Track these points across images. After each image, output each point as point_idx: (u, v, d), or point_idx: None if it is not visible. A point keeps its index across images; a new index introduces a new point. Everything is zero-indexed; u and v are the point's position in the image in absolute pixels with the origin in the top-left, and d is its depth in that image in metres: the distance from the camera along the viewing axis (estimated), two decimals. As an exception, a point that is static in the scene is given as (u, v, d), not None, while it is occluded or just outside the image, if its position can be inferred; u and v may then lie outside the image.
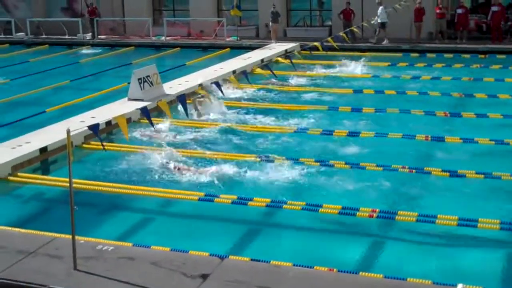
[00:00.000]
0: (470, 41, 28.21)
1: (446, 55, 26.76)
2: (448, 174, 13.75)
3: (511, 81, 21.55)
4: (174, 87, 21.39)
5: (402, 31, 29.39)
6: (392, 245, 11.50)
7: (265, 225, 12.40)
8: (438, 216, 11.68)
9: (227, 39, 32.16)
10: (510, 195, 13.06)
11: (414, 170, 14.08)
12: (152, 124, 13.04)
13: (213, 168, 14.49)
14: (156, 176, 14.26)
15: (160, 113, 18.02)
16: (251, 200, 12.66)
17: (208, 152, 15.50)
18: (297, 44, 29.13)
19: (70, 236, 9.67)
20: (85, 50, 32.75)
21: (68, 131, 9.40)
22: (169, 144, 16.00)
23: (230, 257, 10.21)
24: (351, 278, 9.63)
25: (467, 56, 26.42)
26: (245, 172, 14.28)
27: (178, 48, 31.52)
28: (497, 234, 11.39)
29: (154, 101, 18.48)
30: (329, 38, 24.56)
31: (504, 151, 15.28)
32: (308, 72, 24.57)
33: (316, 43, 23.07)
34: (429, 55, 27.08)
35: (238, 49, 29.69)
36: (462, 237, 11.40)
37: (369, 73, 23.69)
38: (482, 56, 26.35)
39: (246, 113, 19.09)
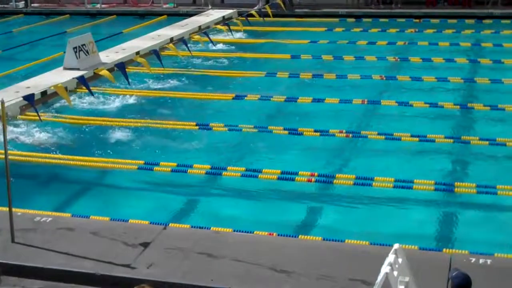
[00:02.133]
0: (405, 6, 28.53)
1: (381, 20, 27.02)
2: (384, 137, 14.01)
3: (444, 45, 21.91)
4: (111, 55, 21.11)
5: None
6: (331, 208, 11.72)
7: (205, 192, 12.46)
8: (375, 178, 11.93)
9: (164, 6, 31.78)
10: (444, 157, 13.40)
11: (350, 135, 14.30)
12: (91, 93, 12.91)
13: (151, 137, 14.46)
14: (94, 146, 14.14)
15: (97, 81, 17.86)
16: (190, 167, 12.69)
17: (143, 121, 15.42)
18: (235, 10, 28.99)
19: (7, 209, 9.56)
20: (18, 19, 31.94)
21: (3, 102, 9.24)
22: (103, 113, 15.88)
23: (170, 225, 10.27)
24: (291, 242, 9.79)
25: (402, 20, 26.73)
26: (184, 140, 14.28)
27: (114, 16, 31.01)
28: (432, 194, 11.71)
29: (91, 70, 18.23)
30: (266, 6, 24.52)
31: (438, 114, 15.61)
32: (246, 39, 24.52)
33: (253, 11, 23.05)
34: (365, 20, 27.31)
35: (175, 16, 29.36)
36: (399, 198, 11.69)
37: (307, 39, 23.78)
38: (417, 20, 26.69)
39: (184, 80, 19.03)
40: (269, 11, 23.71)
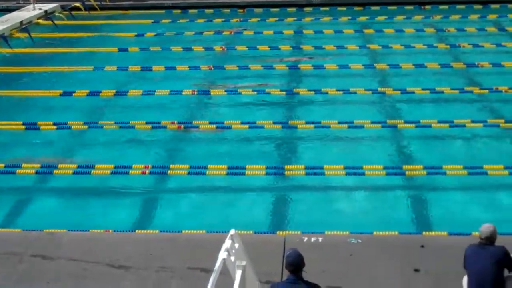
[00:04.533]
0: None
1: (207, 11, 27.24)
2: (214, 126, 14.22)
3: (268, 33, 22.48)
4: None
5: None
6: (166, 200, 11.79)
7: (36, 192, 12.10)
8: (208, 166, 12.12)
9: (-19, 1, 30.24)
10: (273, 141, 13.82)
11: (182, 126, 14.39)
12: None
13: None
14: None
15: None
16: (19, 167, 12.30)
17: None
18: (58, 4, 28.13)
19: None
20: None
21: None
22: None
23: (0, 230, 9.90)
24: (128, 237, 9.77)
25: (227, 10, 27.11)
26: (13, 140, 13.78)
27: None
28: (264, 179, 12.05)
29: None
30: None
31: (266, 101, 16.03)
32: (72, 33, 23.87)
33: (77, 3, 22.51)
34: (191, 11, 27.42)
35: (-6, 11, 28.05)
36: (232, 185, 11.94)
37: (134, 31, 23.55)
38: (241, 10, 27.18)
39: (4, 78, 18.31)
40: (94, 3, 23.23)
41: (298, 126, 14.27)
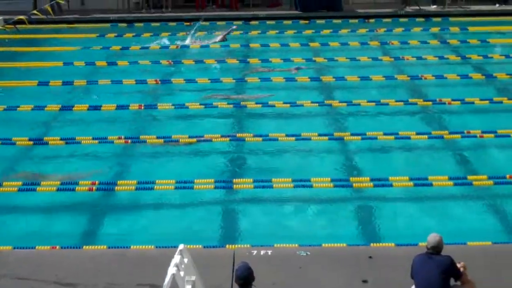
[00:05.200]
0: (175, 10, 28.90)
1: (153, 24, 27.16)
2: (162, 141, 14.15)
3: (215, 47, 22.52)
4: None
5: (110, 2, 29.19)
6: (115, 216, 11.68)
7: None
8: (156, 181, 12.06)
9: None
10: (222, 155, 13.83)
11: (129, 140, 14.28)
12: None
13: None
14: None
15: None
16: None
17: None
18: (1, 18, 27.70)
19: None
20: None
21: None
22: None
23: None
24: (75, 253, 9.66)
25: (173, 24, 27.07)
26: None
27: None
28: (213, 192, 12.04)
29: None
30: (35, 11, 23.67)
31: (212, 113, 16.02)
32: (16, 47, 23.48)
33: (21, 17, 22.19)
34: (137, 25, 27.29)
35: None
36: (181, 200, 11.90)
37: (79, 45, 23.32)
38: (187, 23, 27.16)
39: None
40: (41, 16, 22.87)
41: (246, 139, 14.31)
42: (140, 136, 14.51)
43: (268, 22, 26.81)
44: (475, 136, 14.17)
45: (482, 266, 8.81)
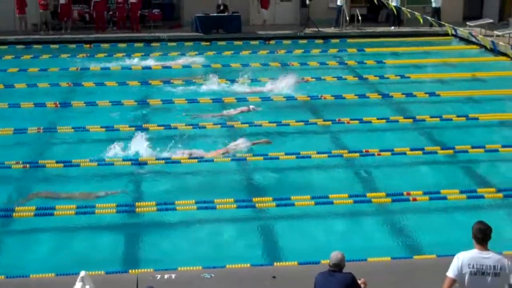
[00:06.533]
0: (75, 31, 28.47)
1: (52, 46, 26.65)
2: (62, 165, 13.87)
3: (116, 69, 22.33)
4: None
5: (7, 24, 28.41)
6: (12, 243, 11.35)
7: None
8: (56, 207, 11.80)
9: None
10: (125, 178, 13.70)
11: (28, 165, 13.92)
12: None
13: None
14: None
15: None
16: None
17: None
18: None
19: None
20: None
21: None
22: None
23: None
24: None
25: (73, 46, 26.65)
26: None
27: None
28: (114, 217, 11.88)
29: None
30: None
31: (114, 137, 15.73)
32: None
33: None
34: (35, 46, 26.70)
35: None
36: (83, 224, 11.68)
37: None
38: (87, 46, 26.81)
39: None
40: None
41: (148, 162, 14.22)
42: (39, 161, 14.16)
43: (169, 43, 26.82)
44: (373, 155, 14.56)
45: (383, 282, 9.05)
